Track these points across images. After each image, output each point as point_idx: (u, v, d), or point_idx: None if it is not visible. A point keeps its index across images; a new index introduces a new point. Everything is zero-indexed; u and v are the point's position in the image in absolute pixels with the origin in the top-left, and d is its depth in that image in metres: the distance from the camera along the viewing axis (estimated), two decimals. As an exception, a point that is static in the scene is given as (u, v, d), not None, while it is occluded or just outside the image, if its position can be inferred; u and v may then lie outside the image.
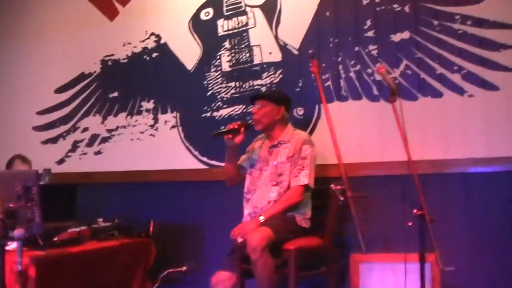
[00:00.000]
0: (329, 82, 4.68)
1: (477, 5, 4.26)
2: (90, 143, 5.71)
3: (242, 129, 4.26)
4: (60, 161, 5.83)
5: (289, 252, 3.82)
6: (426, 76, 4.39)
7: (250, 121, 4.44)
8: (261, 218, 3.97)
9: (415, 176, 3.42)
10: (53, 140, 5.90)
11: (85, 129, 5.74)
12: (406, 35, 4.46)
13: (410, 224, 3.37)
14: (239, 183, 4.47)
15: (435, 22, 4.37)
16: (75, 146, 5.78)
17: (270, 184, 4.20)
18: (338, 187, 3.25)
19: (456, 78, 4.31)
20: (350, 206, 3.18)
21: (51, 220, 4.27)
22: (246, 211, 4.27)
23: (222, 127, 4.35)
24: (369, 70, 4.52)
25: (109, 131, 5.62)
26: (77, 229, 4.60)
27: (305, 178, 4.07)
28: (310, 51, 3.74)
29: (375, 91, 4.50)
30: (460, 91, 4.30)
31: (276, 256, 3.86)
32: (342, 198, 3.23)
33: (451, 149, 4.31)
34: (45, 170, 4.84)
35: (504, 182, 4.17)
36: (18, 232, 3.19)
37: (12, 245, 4.05)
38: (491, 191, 4.21)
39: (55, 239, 4.34)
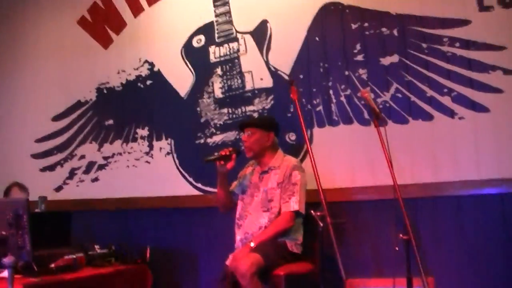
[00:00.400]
0: (320, 107, 4.70)
1: (465, 27, 4.29)
2: (87, 171, 5.74)
3: (234, 155, 4.27)
4: (58, 188, 5.86)
5: (279, 278, 3.82)
6: (416, 99, 4.40)
7: (241, 148, 4.44)
8: (252, 244, 3.96)
9: (400, 200, 3.40)
10: (51, 168, 5.93)
11: (82, 157, 5.77)
12: (395, 58, 4.47)
13: (397, 249, 3.35)
14: (231, 209, 4.48)
15: (424, 45, 4.39)
16: (72, 173, 5.81)
17: (261, 210, 4.20)
18: (318, 213, 3.23)
19: (446, 100, 4.32)
20: (329, 232, 3.14)
21: (46, 247, 4.31)
22: (237, 237, 4.27)
23: (215, 153, 4.35)
24: (360, 94, 4.51)
25: (105, 158, 5.65)
26: (73, 256, 4.61)
27: (295, 204, 4.07)
28: (288, 78, 3.74)
29: (366, 115, 4.50)
30: (450, 113, 4.30)
31: (266, 282, 3.86)
32: (321, 224, 3.21)
33: (442, 172, 4.30)
34: (41, 197, 4.87)
35: (495, 205, 4.16)
36: (8, 259, 3.21)
37: (4, 273, 4.09)
38: (482, 213, 4.20)
39: (52, 265, 4.36)
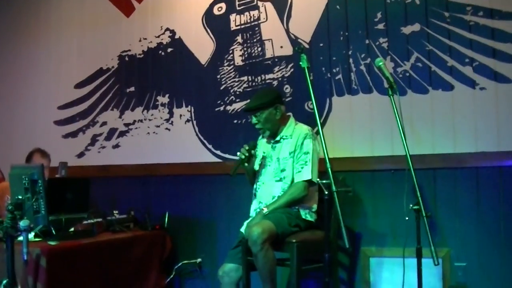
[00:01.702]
0: (340, 76, 4.67)
1: (488, -4, 4.21)
2: (108, 137, 5.78)
3: (252, 151, 4.22)
4: (80, 155, 5.92)
5: (291, 245, 3.82)
6: (437, 69, 4.36)
7: (255, 140, 4.38)
8: (265, 212, 3.97)
9: (412, 170, 3.39)
10: (73, 134, 5.98)
11: (104, 123, 5.81)
12: (416, 27, 4.43)
13: (407, 218, 3.33)
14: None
15: (446, 14, 4.34)
16: (94, 140, 5.85)
17: (273, 180, 4.18)
18: (324, 181, 3.22)
19: (467, 70, 4.27)
20: (335, 201, 3.13)
21: (65, 212, 4.37)
22: (252, 206, 4.27)
23: (234, 162, 4.32)
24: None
25: (127, 125, 5.67)
26: (92, 221, 4.68)
27: (308, 173, 4.03)
28: (297, 47, 3.68)
29: (386, 84, 4.42)
30: (471, 83, 4.26)
31: (279, 249, 3.87)
32: (326, 192, 3.20)
33: (462, 143, 4.27)
34: (61, 163, 4.91)
35: (515, 176, 4.12)
36: (23, 223, 3.26)
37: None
38: (502, 185, 4.17)
39: (70, 230, 4.43)
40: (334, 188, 3.16)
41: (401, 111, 3.46)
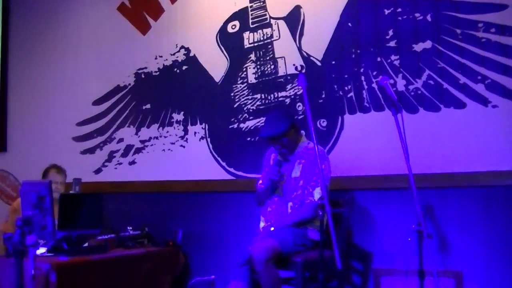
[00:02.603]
0: (352, 93, 4.65)
1: (500, 12, 4.17)
2: (125, 154, 5.85)
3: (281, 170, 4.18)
4: (97, 171, 6.00)
5: (295, 264, 3.79)
6: (449, 86, 4.31)
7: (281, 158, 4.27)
8: (271, 229, 3.96)
9: (414, 190, 3.35)
10: (91, 150, 6.07)
11: (121, 140, 5.89)
12: (428, 44, 4.39)
13: (409, 239, 3.30)
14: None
15: (458, 31, 4.29)
16: (111, 156, 5.93)
17: (284, 199, 4.17)
18: (319, 202, 3.21)
19: (479, 88, 4.21)
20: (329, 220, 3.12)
21: (78, 228, 4.41)
22: (261, 224, 4.26)
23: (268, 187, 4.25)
24: (392, 81, 4.45)
25: (142, 141, 5.74)
26: (104, 237, 4.72)
27: (318, 194, 4.01)
28: (295, 66, 3.70)
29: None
30: (483, 101, 4.20)
31: (284, 267, 3.85)
32: (320, 213, 3.18)
33: (473, 161, 4.20)
34: (75, 179, 4.96)
35: (528, 196, 4.05)
36: (30, 239, 3.30)
37: (38, 251, 4.22)
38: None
39: (83, 246, 4.48)
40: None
41: (404, 130, 3.43)
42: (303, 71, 3.75)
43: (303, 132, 4.43)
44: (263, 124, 4.63)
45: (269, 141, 4.25)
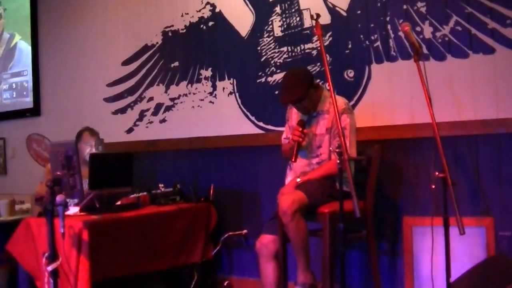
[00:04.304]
0: (378, 43, 4.58)
1: (530, -46, 4.03)
2: (155, 112, 5.90)
3: (305, 130, 4.10)
4: (129, 130, 6.08)
5: (323, 215, 3.80)
6: (477, 32, 4.19)
7: (301, 120, 4.21)
8: (298, 180, 3.97)
9: (437, 137, 3.31)
10: (122, 111, 6.14)
11: (151, 99, 5.93)
12: (455, -11, 4.28)
13: (433, 187, 3.27)
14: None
15: (486, -26, 4.17)
16: (142, 115, 5.99)
17: (310, 156, 4.14)
18: (337, 150, 3.19)
19: (509, 32, 4.09)
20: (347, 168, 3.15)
21: (110, 187, 4.48)
22: (288, 179, 4.27)
23: (291, 147, 4.14)
24: (418, 28, 4.36)
25: (172, 99, 5.77)
26: (137, 195, 4.79)
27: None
28: (313, 14, 3.65)
29: (425, 50, 4.34)
30: (514, 46, 4.09)
31: (311, 219, 3.87)
32: (338, 161, 3.17)
33: (504, 107, 4.11)
34: (97, 139, 5.04)
35: (561, 141, 3.97)
36: (59, 198, 3.37)
37: (70, 210, 4.32)
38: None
39: (116, 204, 4.55)
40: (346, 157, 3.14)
41: (426, 77, 3.38)
42: (319, 18, 3.66)
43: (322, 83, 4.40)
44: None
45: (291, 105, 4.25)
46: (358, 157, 4.03)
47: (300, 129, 4.05)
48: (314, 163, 4.13)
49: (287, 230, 3.77)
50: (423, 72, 3.40)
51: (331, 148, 3.97)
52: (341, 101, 4.09)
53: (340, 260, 3.24)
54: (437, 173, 3.25)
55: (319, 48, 4.78)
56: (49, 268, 3.40)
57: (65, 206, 3.45)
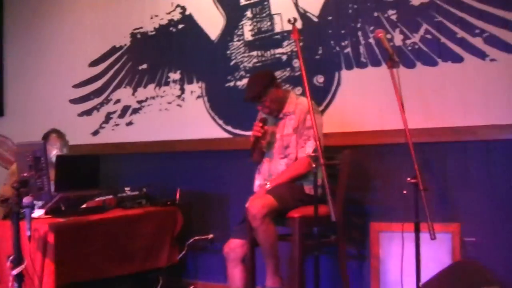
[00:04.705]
0: (349, 49, 4.61)
1: (498, -35, 4.10)
2: (122, 115, 5.85)
3: (265, 127, 4.14)
4: (95, 133, 6.00)
5: (293, 220, 3.79)
6: (447, 41, 4.26)
7: (264, 117, 4.26)
8: (267, 186, 3.97)
9: (409, 143, 3.34)
10: (88, 112, 6.07)
11: (117, 101, 5.88)
12: (426, -2, 4.34)
13: (405, 192, 3.30)
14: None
15: (455, -16, 4.23)
16: (108, 117, 5.93)
17: (278, 157, 4.15)
18: (313, 155, 3.20)
19: (477, 41, 4.16)
20: (323, 172, 3.12)
21: (76, 190, 4.42)
22: (256, 182, 4.26)
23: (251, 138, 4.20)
24: (389, 36, 4.39)
25: (139, 102, 5.73)
26: (103, 198, 4.73)
27: (311, 148, 3.97)
28: (290, 18, 3.67)
29: (395, 57, 4.36)
30: (481, 55, 4.15)
31: (281, 224, 3.86)
32: (314, 165, 3.17)
33: (472, 115, 4.17)
34: (62, 142, 4.99)
35: (527, 149, 4.04)
36: (26, 199, 3.31)
37: (35, 213, 4.23)
38: (513, 159, 4.07)
39: (83, 206, 4.48)
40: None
41: (399, 84, 3.41)
42: (296, 23, 3.67)
43: (299, 88, 4.41)
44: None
45: (252, 103, 4.26)
46: (333, 162, 4.04)
47: (261, 124, 4.09)
48: (282, 164, 4.13)
49: (257, 234, 3.76)
50: (397, 79, 3.41)
51: (306, 153, 3.98)
52: (305, 101, 4.08)
53: (315, 264, 3.23)
54: (409, 179, 3.26)
55: (289, 53, 4.83)
56: (14, 272, 3.34)
57: (32, 208, 3.38)
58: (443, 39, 4.26)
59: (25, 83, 6.58)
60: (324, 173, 3.13)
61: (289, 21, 3.61)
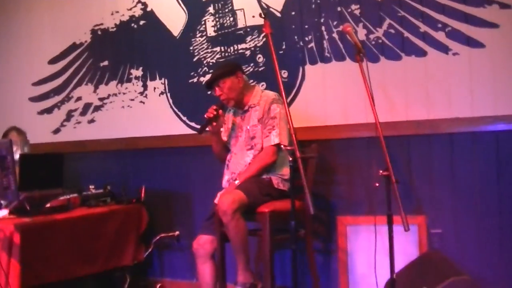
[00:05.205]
0: (312, 44, 4.62)
1: (459, -41, 4.15)
2: (83, 112, 5.77)
3: (220, 111, 4.18)
4: (56, 131, 5.91)
5: (263, 215, 3.79)
6: (410, 35, 4.30)
7: (222, 102, 4.29)
8: (236, 182, 3.96)
9: (380, 137, 3.37)
10: (49, 111, 5.97)
11: (79, 98, 5.80)
12: (388, -7, 4.37)
13: (377, 185, 3.33)
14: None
15: (417, -21, 4.27)
16: (69, 115, 5.84)
17: (245, 149, 4.17)
18: (288, 148, 3.20)
19: (440, 36, 4.21)
20: (299, 166, 3.12)
21: (40, 189, 4.35)
22: (225, 177, 4.25)
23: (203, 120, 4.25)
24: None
25: (101, 99, 5.66)
26: (67, 197, 4.66)
27: (275, 137, 4.00)
28: (261, 12, 3.66)
29: (364, 51, 4.38)
30: (444, 49, 4.20)
31: (251, 219, 3.86)
32: (290, 159, 3.17)
33: (435, 109, 4.23)
34: (22, 141, 4.92)
35: (490, 142, 4.09)
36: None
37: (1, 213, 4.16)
38: (476, 151, 4.13)
39: (46, 206, 4.41)
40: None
41: (369, 78, 3.43)
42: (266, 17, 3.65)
43: (262, 83, 4.42)
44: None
45: (211, 91, 4.35)
46: (308, 155, 4.06)
47: (215, 107, 4.14)
48: (249, 155, 4.14)
49: (227, 230, 3.75)
50: (366, 72, 3.43)
51: (271, 142, 4.02)
52: (270, 93, 4.22)
53: (292, 258, 3.23)
54: (381, 172, 3.29)
55: (252, 49, 4.83)
56: (-22, 273, 3.27)
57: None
58: (406, 34, 4.30)
59: (-18, 81, 6.45)
60: (300, 166, 3.12)
61: (260, 15, 3.58)
